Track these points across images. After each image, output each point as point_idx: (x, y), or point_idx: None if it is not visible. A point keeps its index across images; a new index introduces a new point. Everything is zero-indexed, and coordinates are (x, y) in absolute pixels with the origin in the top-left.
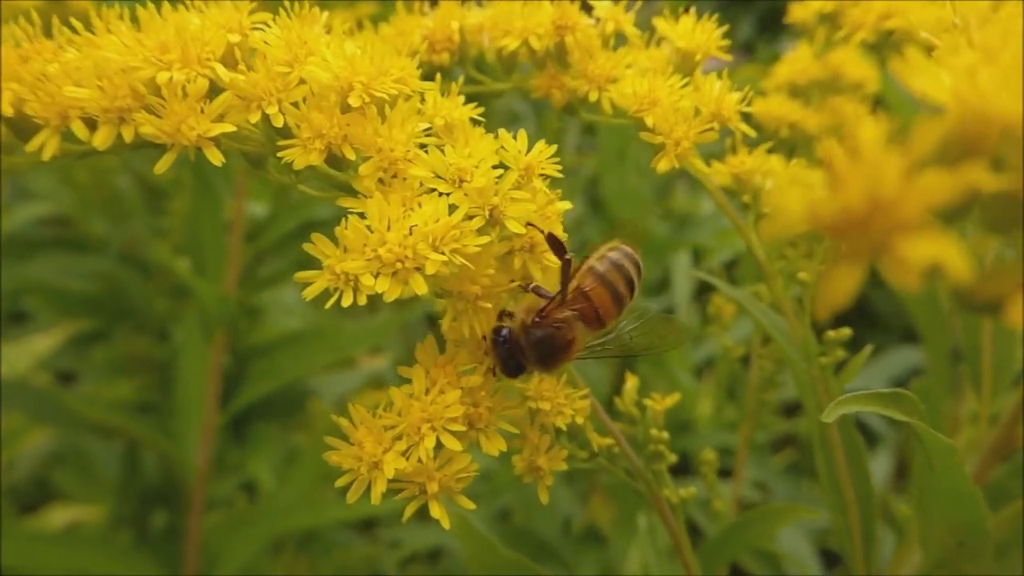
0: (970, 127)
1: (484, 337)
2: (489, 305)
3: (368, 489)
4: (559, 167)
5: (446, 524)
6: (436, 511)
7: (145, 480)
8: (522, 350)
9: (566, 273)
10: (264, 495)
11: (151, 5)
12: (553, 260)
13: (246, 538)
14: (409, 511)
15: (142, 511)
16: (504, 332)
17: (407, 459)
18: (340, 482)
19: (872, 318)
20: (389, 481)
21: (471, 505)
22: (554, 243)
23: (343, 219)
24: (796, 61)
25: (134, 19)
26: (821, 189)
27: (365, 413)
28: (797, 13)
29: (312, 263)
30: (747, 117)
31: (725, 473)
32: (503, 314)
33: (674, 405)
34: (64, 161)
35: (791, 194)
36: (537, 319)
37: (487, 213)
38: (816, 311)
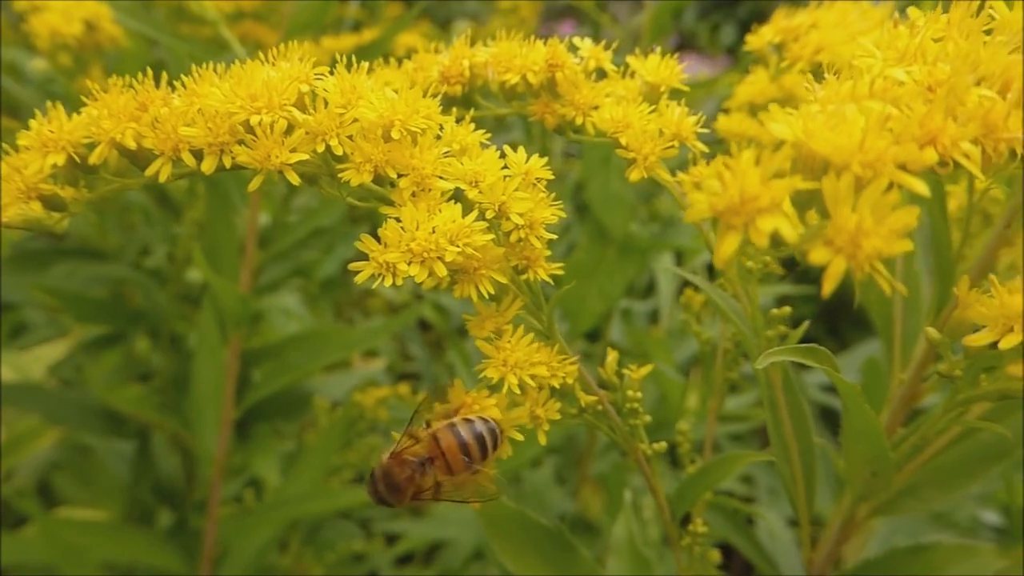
0: (805, 154)
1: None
2: (484, 271)
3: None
4: (550, 172)
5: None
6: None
7: (156, 478)
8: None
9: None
10: (271, 491)
11: (238, 62)
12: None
13: (256, 528)
14: None
15: (151, 510)
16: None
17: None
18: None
19: (855, 317)
20: None
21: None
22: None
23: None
24: (754, 83)
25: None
26: (716, 190)
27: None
28: (752, 43)
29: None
30: (712, 133)
31: None
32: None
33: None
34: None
35: (699, 193)
36: (390, 457)
37: (496, 208)
38: (716, 260)
